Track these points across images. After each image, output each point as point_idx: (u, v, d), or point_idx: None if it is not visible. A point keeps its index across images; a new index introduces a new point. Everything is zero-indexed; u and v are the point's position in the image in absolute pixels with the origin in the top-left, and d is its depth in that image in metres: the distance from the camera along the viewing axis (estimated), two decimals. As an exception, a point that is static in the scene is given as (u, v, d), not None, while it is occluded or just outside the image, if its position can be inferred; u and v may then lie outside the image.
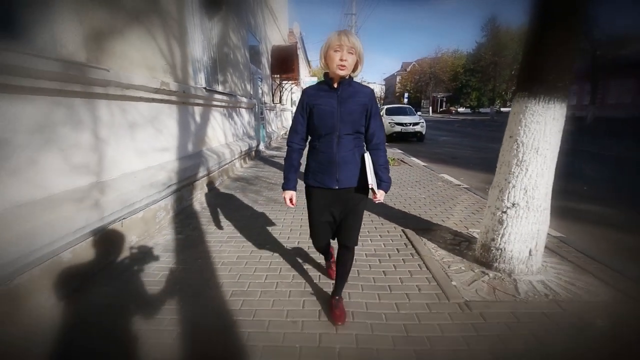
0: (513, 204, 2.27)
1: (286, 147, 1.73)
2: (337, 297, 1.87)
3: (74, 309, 1.88)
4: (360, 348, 1.60)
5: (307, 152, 1.71)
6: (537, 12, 2.14)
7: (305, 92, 1.64)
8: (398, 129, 11.75)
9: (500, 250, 2.33)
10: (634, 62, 23.27)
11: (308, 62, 29.99)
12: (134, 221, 2.73)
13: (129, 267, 2.39)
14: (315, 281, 2.23)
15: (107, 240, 2.38)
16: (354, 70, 1.55)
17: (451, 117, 38.52)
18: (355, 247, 1.82)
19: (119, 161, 2.64)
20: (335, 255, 1.94)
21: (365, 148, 1.69)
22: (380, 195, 1.62)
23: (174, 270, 2.36)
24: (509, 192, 2.28)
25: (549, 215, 2.32)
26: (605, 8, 18.61)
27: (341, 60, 1.46)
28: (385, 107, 13.69)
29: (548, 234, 3.06)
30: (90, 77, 2.22)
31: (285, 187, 1.72)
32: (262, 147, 8.83)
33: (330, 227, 1.75)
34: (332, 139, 1.58)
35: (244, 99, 6.70)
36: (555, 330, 1.74)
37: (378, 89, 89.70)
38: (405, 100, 45.21)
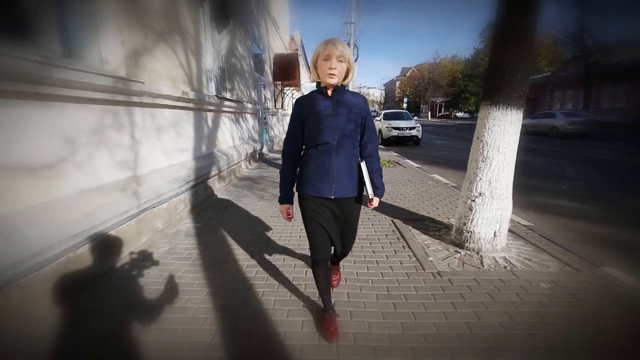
0: (480, 194, 2.73)
1: (282, 158, 1.72)
2: (335, 266, 2.17)
3: (126, 272, 2.33)
4: (350, 301, 2.06)
5: (301, 161, 1.69)
6: (495, 37, 2.62)
7: (299, 102, 1.61)
8: (395, 133, 12.24)
9: (470, 233, 2.78)
10: (627, 68, 23.92)
11: (308, 67, 30.66)
12: (160, 211, 3.19)
13: (160, 247, 2.84)
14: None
15: (141, 224, 2.84)
16: (345, 78, 1.55)
17: (450, 121, 39.12)
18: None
19: (149, 159, 3.11)
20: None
21: (359, 156, 1.69)
22: (375, 202, 1.68)
23: (197, 250, 2.81)
24: (477, 184, 2.74)
25: (510, 202, 2.78)
26: (596, 17, 19.23)
27: (330, 69, 1.46)
28: (383, 112, 14.21)
29: (518, 222, 3.55)
30: (131, 89, 2.70)
31: (282, 200, 1.70)
32: (265, 150, 9.31)
33: (328, 235, 1.69)
34: (330, 148, 1.55)
35: (249, 105, 7.20)
36: (505, 289, 2.19)
37: (378, 94, 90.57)
38: (405, 105, 45.82)
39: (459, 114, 49.60)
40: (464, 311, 1.96)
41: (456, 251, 2.80)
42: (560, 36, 21.46)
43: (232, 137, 6.02)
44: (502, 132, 2.63)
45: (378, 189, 1.69)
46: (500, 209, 2.72)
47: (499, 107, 2.61)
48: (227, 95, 6.13)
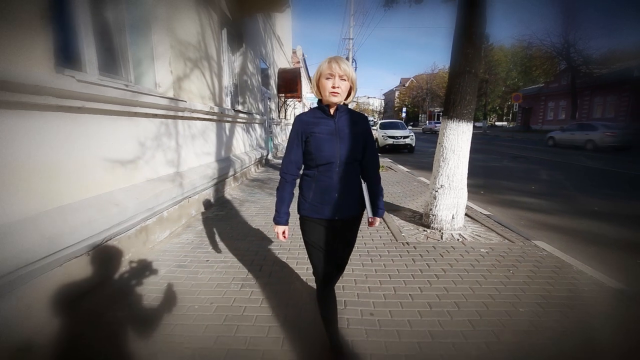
0: (441, 186, 3.58)
1: (280, 177, 1.64)
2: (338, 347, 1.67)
3: (177, 239, 3.18)
4: (341, 258, 2.90)
5: (300, 182, 1.63)
6: (450, 72, 3.52)
7: (300, 120, 1.56)
8: (390, 141, 13.17)
9: (434, 216, 3.63)
10: (615, 80, 25.09)
11: (309, 79, 31.93)
12: (194, 200, 4.05)
13: (196, 226, 3.69)
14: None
15: (182, 210, 3.70)
16: (347, 96, 1.53)
17: (447, 130, 40.19)
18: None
19: (187, 159, 3.99)
20: None
21: (360, 176, 1.65)
22: (376, 222, 1.68)
23: (226, 229, 3.66)
24: (439, 178, 3.60)
25: (465, 192, 3.63)
26: (579, 34, 20.38)
27: (333, 87, 1.45)
28: (380, 121, 15.18)
29: (480, 212, 4.39)
30: (178, 106, 3.59)
31: (277, 221, 1.62)
32: (270, 156, 10.20)
33: (332, 261, 1.63)
34: (332, 168, 1.51)
35: (258, 116, 8.12)
36: (453, 252, 3.04)
37: (378, 104, 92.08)
38: (404, 114, 47.05)
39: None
40: (420, 263, 2.80)
41: (424, 230, 3.65)
42: (548, 50, 22.60)
43: (243, 144, 6.91)
44: (456, 139, 3.50)
45: (380, 209, 1.69)
46: (457, 197, 3.57)
47: (453, 121, 3.49)
48: (240, 107, 7.05)
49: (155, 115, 3.24)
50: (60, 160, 2.09)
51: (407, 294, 2.30)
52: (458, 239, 3.38)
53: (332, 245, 1.60)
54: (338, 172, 1.51)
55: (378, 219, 1.68)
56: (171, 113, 3.53)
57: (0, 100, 1.68)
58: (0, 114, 1.72)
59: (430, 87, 50.56)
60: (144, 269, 2.62)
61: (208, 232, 3.54)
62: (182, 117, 3.86)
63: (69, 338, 1.80)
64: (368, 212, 1.61)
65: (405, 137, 13.22)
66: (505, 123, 47.39)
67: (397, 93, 67.87)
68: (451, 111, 3.49)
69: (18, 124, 1.81)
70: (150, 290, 2.31)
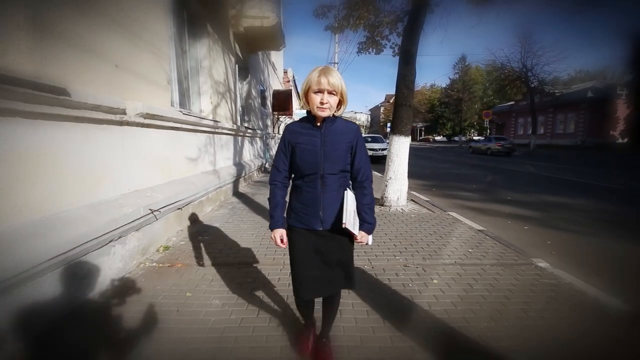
0: (390, 178, 5.48)
1: (269, 186, 1.65)
2: (324, 340, 1.79)
3: (216, 212, 4.92)
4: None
5: (290, 191, 1.68)
6: (394, 103, 5.48)
7: (287, 129, 1.58)
8: (370, 153, 15.14)
9: (386, 198, 5.50)
10: (573, 100, 28.28)
11: (299, 96, 34.20)
12: (222, 190, 5.81)
13: (227, 206, 5.44)
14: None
15: (217, 195, 5.46)
16: (337, 109, 1.51)
17: (427, 144, 43.06)
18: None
19: (219, 161, 5.78)
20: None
21: (350, 186, 1.61)
22: (361, 237, 1.54)
23: (247, 209, 5.43)
24: (388, 173, 5.49)
25: (406, 182, 5.52)
26: (535, 60, 23.41)
27: (322, 103, 1.42)
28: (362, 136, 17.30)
29: (423, 199, 6.29)
30: (217, 125, 5.42)
31: (272, 226, 1.59)
32: (267, 165, 12.01)
33: (319, 275, 1.58)
34: (316, 178, 1.52)
35: (258, 131, 9.97)
36: (394, 216, 4.90)
37: (364, 119, 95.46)
38: (388, 129, 49.71)
39: (438, 138, 53.90)
40: (372, 220, 4.65)
41: (379, 207, 5.51)
42: (510, 73, 25.56)
43: (249, 153, 8.72)
44: (399, 147, 5.43)
45: (366, 223, 1.57)
46: (400, 185, 5.47)
47: (396, 135, 5.42)
48: (246, 125, 8.90)
49: (205, 132, 5.06)
50: (170, 156, 3.88)
51: (360, 231, 4.13)
52: (399, 211, 5.26)
53: (319, 259, 1.57)
54: (322, 183, 1.51)
55: (364, 234, 1.56)
56: (212, 130, 5.34)
57: (155, 124, 3.47)
58: (154, 131, 3.50)
59: (413, 104, 53.58)
60: (212, 220, 4.38)
61: (237, 208, 5.31)
62: (217, 133, 5.67)
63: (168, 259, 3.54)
64: (344, 224, 1.44)
65: (383, 150, 15.31)
66: (482, 137, 50.74)
67: (382, 109, 71.17)
68: (395, 129, 5.44)
69: (161, 137, 3.60)
70: (219, 226, 4.07)
